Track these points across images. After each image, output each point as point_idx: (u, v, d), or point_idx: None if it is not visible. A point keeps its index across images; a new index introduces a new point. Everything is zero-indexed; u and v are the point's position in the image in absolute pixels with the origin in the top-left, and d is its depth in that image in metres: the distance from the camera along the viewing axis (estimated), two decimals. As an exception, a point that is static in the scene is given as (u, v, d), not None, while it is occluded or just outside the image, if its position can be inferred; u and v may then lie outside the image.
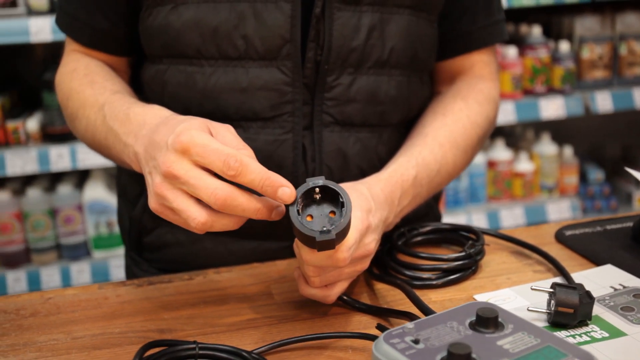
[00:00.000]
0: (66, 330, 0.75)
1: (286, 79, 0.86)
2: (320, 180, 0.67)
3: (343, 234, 0.66)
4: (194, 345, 0.61)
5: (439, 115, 0.93)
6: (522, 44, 2.45)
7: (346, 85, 0.88)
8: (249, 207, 0.65)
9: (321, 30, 0.85)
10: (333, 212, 0.68)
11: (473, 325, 0.60)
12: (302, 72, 0.87)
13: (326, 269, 0.71)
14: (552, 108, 2.40)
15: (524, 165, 2.49)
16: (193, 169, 0.65)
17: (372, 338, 0.67)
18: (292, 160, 0.88)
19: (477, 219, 2.42)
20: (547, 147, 2.53)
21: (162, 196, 0.67)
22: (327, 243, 0.65)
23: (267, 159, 0.88)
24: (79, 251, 2.21)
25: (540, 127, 2.70)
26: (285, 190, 0.64)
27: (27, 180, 2.27)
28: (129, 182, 1.00)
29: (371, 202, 0.76)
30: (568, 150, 2.56)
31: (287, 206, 0.66)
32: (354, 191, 0.75)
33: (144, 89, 0.94)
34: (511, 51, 2.39)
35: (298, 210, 0.66)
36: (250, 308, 0.78)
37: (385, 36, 0.88)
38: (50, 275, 2.16)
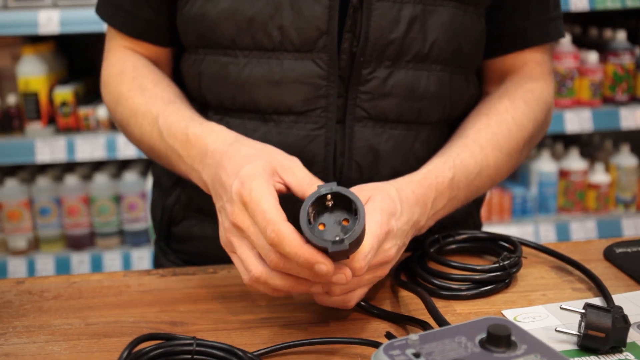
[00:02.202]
0: (82, 315, 0.75)
1: (321, 72, 0.83)
2: (332, 187, 0.64)
3: (357, 242, 0.63)
4: (191, 341, 0.59)
5: (483, 116, 0.88)
6: (604, 49, 2.33)
7: (382, 78, 0.84)
8: (328, 275, 0.64)
9: (358, 21, 0.82)
10: (346, 220, 0.64)
11: (483, 343, 0.55)
12: (337, 63, 0.84)
13: None
14: (633, 118, 2.27)
15: (600, 176, 2.37)
16: (254, 224, 0.66)
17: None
18: (323, 157, 0.86)
19: (545, 230, 2.32)
20: (625, 158, 2.40)
21: (229, 241, 0.69)
22: (341, 254, 0.62)
23: (298, 155, 0.85)
24: (141, 238, 2.25)
25: (620, 137, 2.57)
26: (322, 268, 0.63)
27: (96, 166, 2.34)
28: (163, 173, 0.99)
29: (397, 205, 0.72)
30: (649, 163, 2.43)
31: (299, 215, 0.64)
32: (380, 192, 0.72)
33: (184, 81, 0.93)
34: (592, 56, 2.28)
35: (309, 220, 0.63)
36: (268, 307, 0.76)
37: (426, 29, 0.84)
38: (113, 260, 2.21)
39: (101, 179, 2.21)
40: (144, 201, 2.24)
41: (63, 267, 2.20)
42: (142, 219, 2.24)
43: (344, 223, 0.64)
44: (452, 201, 0.83)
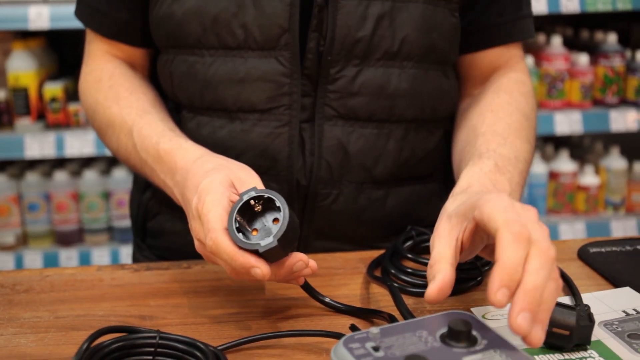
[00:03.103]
0: (52, 308, 0.75)
1: (284, 70, 0.84)
2: (252, 192, 0.66)
3: (289, 238, 0.64)
4: (155, 334, 0.59)
5: (488, 113, 0.87)
6: (595, 51, 2.33)
7: (350, 77, 0.85)
8: (263, 279, 0.65)
9: (324, 20, 0.82)
10: (277, 219, 0.66)
11: (444, 338, 0.55)
12: (303, 62, 0.84)
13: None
14: (623, 120, 2.27)
15: (589, 178, 2.37)
16: None
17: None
18: (287, 155, 0.86)
19: (534, 232, 2.32)
20: (615, 161, 2.40)
21: (207, 257, 0.70)
22: (274, 252, 0.63)
23: (261, 153, 0.86)
24: (130, 234, 2.24)
25: (610, 139, 2.57)
26: (257, 272, 0.63)
27: (86, 163, 2.33)
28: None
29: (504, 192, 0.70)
30: (639, 166, 2.42)
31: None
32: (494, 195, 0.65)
33: (159, 81, 0.94)
34: (582, 58, 2.28)
35: (238, 228, 0.65)
36: (238, 301, 0.76)
37: (395, 26, 0.84)
38: (101, 256, 2.21)
39: (90, 176, 2.21)
40: (133, 198, 2.23)
41: (51, 262, 2.19)
42: (130, 215, 2.24)
43: (275, 223, 0.66)
44: (512, 182, 0.77)
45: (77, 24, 2.12)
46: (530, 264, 0.55)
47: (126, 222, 2.25)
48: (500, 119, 0.86)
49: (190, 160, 0.76)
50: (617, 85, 2.30)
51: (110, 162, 2.35)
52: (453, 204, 0.69)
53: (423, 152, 0.92)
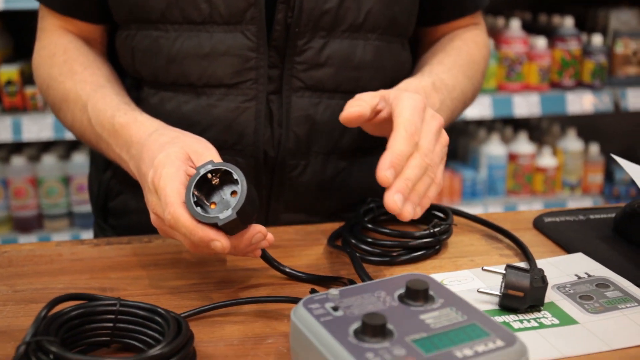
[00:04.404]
0: (10, 283, 0.74)
1: (250, 44, 0.84)
2: (209, 165, 0.66)
3: (247, 211, 0.64)
4: (115, 302, 0.59)
5: (440, 52, 0.94)
6: (552, 35, 2.37)
7: (317, 49, 0.85)
8: (223, 251, 0.65)
9: None
10: (235, 192, 0.66)
11: (402, 297, 0.57)
12: (271, 34, 0.84)
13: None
14: (579, 103, 2.32)
15: (547, 160, 2.42)
16: None
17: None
18: (253, 130, 0.86)
19: (494, 212, 2.36)
20: (572, 143, 2.46)
21: (163, 231, 0.70)
22: (233, 225, 0.63)
23: (227, 128, 0.86)
24: (90, 220, 2.21)
25: (567, 122, 2.62)
26: (217, 245, 0.64)
27: (44, 147, 2.30)
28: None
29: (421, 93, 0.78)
30: (594, 148, 2.48)
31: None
32: (409, 95, 0.73)
33: (118, 57, 0.93)
34: (540, 42, 2.32)
35: (196, 202, 0.65)
36: (199, 272, 0.76)
37: None
38: (61, 242, 2.18)
39: (49, 160, 2.17)
40: (93, 183, 2.21)
41: (10, 249, 2.16)
42: (91, 200, 2.21)
43: (233, 196, 0.66)
44: (443, 104, 0.85)
45: (32, 5, 2.07)
46: (410, 161, 0.68)
47: (87, 207, 2.22)
48: (448, 55, 0.93)
49: (145, 134, 0.76)
50: (574, 68, 2.35)
51: (69, 147, 2.31)
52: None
53: None
